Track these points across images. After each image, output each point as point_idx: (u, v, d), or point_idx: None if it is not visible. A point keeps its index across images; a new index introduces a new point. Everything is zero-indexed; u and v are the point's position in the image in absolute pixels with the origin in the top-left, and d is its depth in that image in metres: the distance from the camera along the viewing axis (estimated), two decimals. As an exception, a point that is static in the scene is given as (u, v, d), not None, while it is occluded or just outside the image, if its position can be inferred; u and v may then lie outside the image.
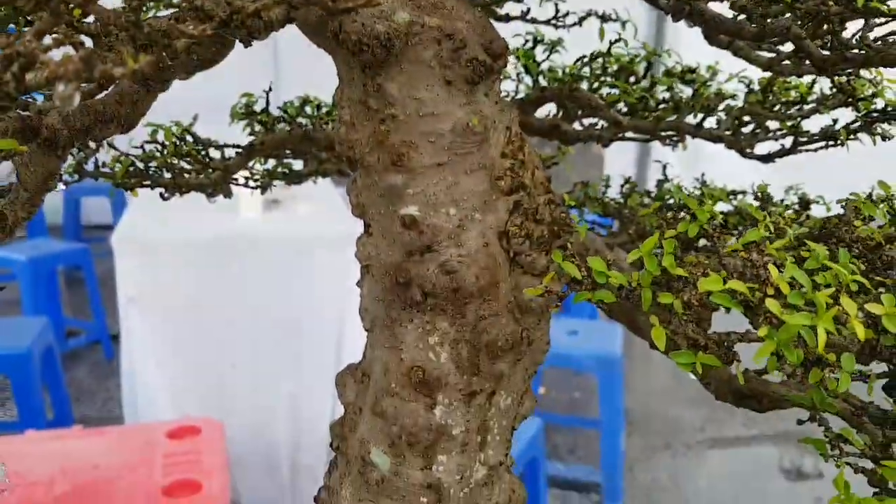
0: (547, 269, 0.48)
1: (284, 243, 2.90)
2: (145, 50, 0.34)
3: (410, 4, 0.42)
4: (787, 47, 0.49)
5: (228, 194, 0.69)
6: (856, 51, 0.43)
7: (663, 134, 0.65)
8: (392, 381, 0.49)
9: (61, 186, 0.60)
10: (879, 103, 0.56)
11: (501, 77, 0.48)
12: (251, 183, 0.68)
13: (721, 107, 0.60)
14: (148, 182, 0.63)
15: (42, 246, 4.05)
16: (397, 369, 0.49)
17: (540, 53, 0.66)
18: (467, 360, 0.48)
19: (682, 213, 0.50)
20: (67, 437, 2.34)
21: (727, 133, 0.58)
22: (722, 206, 0.57)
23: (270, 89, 0.65)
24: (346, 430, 0.54)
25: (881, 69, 0.50)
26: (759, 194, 0.48)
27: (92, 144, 0.63)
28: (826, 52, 0.44)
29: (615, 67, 0.64)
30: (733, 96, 0.62)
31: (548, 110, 0.66)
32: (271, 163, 0.75)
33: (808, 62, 0.46)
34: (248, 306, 2.82)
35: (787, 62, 0.49)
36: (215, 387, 2.82)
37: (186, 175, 0.61)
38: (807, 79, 0.59)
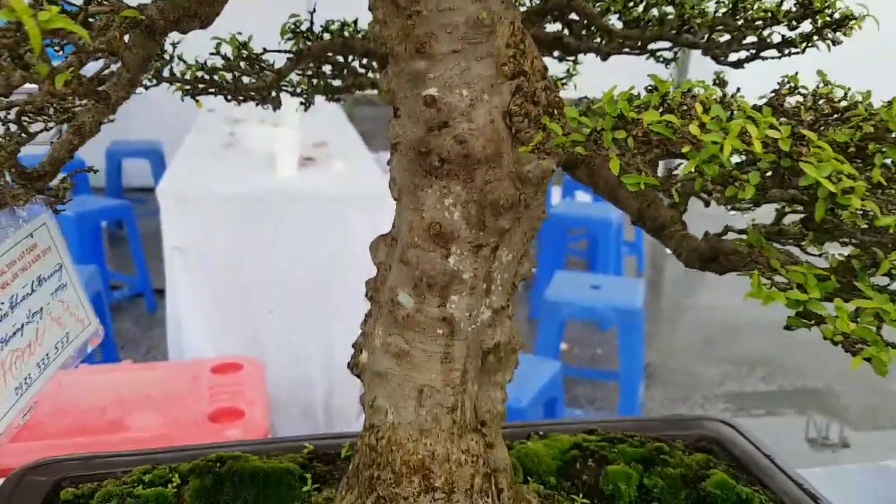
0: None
1: (318, 200, 3.03)
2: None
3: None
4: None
5: (277, 105, 0.81)
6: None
7: (654, 49, 0.75)
8: (415, 236, 0.61)
9: (142, 90, 0.71)
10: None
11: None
12: (301, 95, 0.80)
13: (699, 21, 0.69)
14: (213, 89, 0.75)
15: (87, 202, 4.24)
16: (419, 226, 0.61)
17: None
18: (475, 217, 0.60)
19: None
20: (119, 370, 2.52)
21: (702, 41, 0.68)
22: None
23: (314, 10, 0.76)
24: (379, 283, 0.66)
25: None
26: (716, 79, 0.57)
27: (166, 56, 0.75)
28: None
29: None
30: (714, 18, 0.72)
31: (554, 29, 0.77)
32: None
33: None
34: (284, 258, 2.96)
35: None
36: (254, 332, 2.98)
37: (245, 80, 0.73)
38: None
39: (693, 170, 0.43)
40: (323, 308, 2.95)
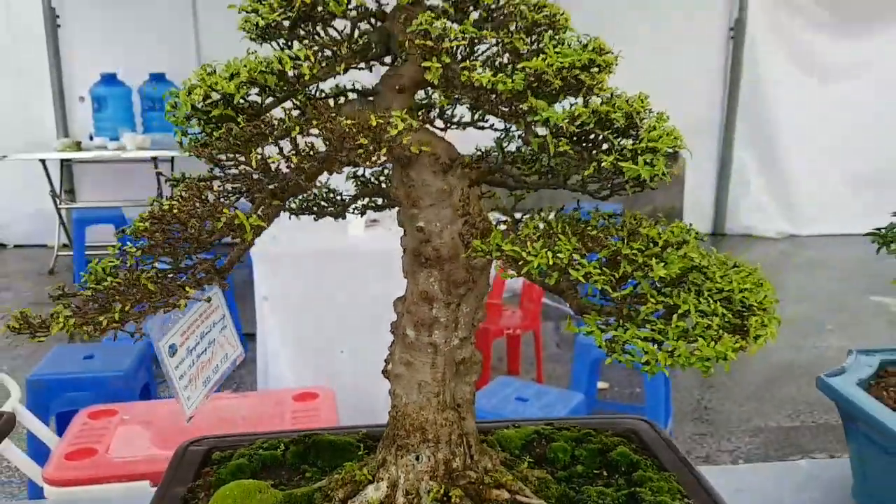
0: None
1: (382, 254, 3.60)
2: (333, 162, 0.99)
3: (417, 142, 1.06)
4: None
5: (344, 218, 1.35)
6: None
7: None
8: (414, 298, 1.13)
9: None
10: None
11: (462, 167, 1.11)
12: (357, 212, 1.33)
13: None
14: (306, 210, 1.30)
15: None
16: (416, 292, 1.13)
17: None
18: (445, 288, 1.11)
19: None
20: (221, 398, 3.10)
21: (579, 187, 1.18)
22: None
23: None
24: (397, 324, 1.19)
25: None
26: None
27: (279, 193, 1.30)
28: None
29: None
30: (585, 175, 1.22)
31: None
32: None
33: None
34: (353, 304, 3.53)
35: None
36: (327, 368, 3.54)
37: (326, 207, 1.28)
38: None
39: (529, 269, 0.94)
40: (385, 346, 3.49)
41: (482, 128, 1.25)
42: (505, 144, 1.26)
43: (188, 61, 7.60)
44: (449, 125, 1.24)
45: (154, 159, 6.95)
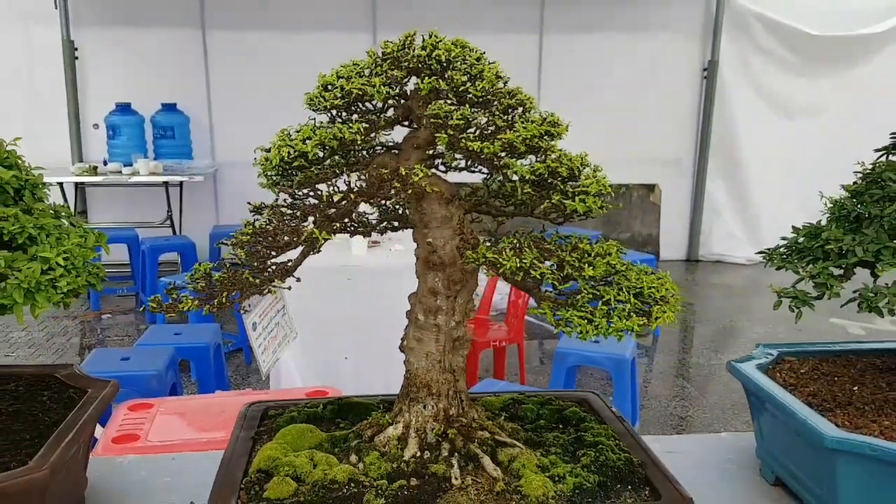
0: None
1: (381, 272, 4.08)
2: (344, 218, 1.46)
3: (429, 183, 1.54)
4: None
5: (370, 235, 1.83)
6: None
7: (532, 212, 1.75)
8: (424, 292, 1.61)
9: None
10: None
11: (459, 200, 1.60)
12: (378, 232, 1.81)
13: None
14: (344, 230, 1.77)
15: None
16: (426, 288, 1.60)
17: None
18: (446, 284, 1.59)
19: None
20: (245, 395, 3.55)
21: (541, 216, 1.66)
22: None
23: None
24: (411, 311, 1.66)
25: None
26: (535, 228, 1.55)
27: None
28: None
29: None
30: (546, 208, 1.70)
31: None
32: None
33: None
34: (356, 316, 3.99)
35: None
36: (333, 373, 3.98)
37: (358, 228, 1.75)
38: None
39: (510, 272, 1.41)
40: (383, 352, 3.94)
41: (473, 172, 1.74)
42: (490, 184, 1.75)
43: (198, 92, 8.12)
44: (449, 170, 1.72)
45: (165, 184, 7.43)
